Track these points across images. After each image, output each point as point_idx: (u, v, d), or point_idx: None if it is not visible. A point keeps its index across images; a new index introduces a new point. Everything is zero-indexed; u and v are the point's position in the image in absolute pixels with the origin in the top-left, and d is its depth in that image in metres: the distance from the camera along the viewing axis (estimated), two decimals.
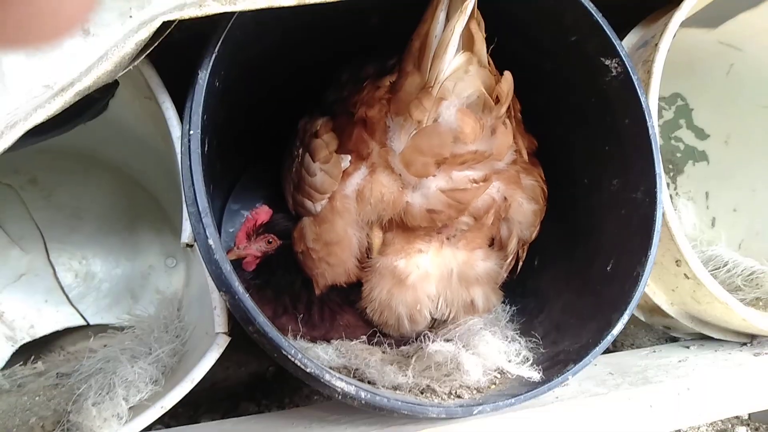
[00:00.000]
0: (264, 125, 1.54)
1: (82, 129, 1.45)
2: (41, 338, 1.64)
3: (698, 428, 1.76)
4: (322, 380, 0.85)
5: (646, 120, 1.10)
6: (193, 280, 1.76)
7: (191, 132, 0.83)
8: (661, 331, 1.45)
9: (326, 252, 1.23)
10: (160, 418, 0.90)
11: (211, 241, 0.82)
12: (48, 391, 1.05)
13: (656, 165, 1.10)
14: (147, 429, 0.91)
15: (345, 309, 1.36)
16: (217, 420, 1.10)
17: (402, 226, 1.22)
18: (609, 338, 1.01)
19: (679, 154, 2.03)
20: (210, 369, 1.05)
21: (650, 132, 1.10)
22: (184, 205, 0.90)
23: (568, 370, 0.98)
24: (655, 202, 1.09)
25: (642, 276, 1.05)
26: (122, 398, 0.87)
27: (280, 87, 1.40)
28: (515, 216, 1.29)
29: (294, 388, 1.67)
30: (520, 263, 1.35)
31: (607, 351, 1.54)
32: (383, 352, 1.14)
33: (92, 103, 1.17)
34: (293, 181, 1.31)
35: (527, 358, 1.03)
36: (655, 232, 1.06)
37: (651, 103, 1.13)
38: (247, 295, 0.84)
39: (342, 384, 0.85)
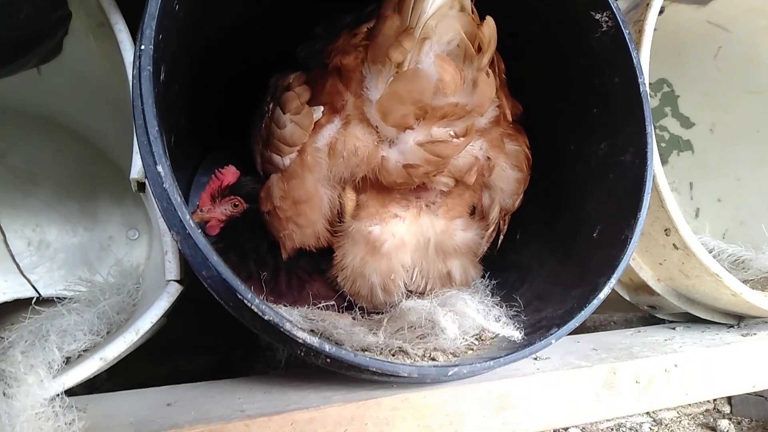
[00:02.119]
0: (234, 93, 1.45)
1: (37, 83, 1.37)
2: None
3: (680, 421, 1.70)
4: (281, 329, 0.76)
5: (637, 77, 1.05)
6: (155, 252, 1.65)
7: (142, 47, 0.74)
8: (645, 311, 1.38)
9: (294, 211, 1.14)
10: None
11: (160, 168, 0.73)
12: None
13: (647, 124, 1.04)
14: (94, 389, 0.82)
15: (314, 278, 1.27)
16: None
17: (377, 187, 1.15)
18: (595, 302, 0.94)
19: (663, 144, 1.99)
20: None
21: (641, 90, 1.05)
22: (135, 136, 0.82)
23: (551, 334, 0.91)
24: (645, 163, 1.03)
25: (630, 239, 0.99)
26: (55, 346, 0.77)
27: (249, 47, 1.32)
28: (497, 182, 1.22)
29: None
30: (501, 236, 1.28)
31: (588, 331, 1.49)
32: (353, 318, 1.06)
33: (42, 39, 1.07)
34: (262, 138, 1.22)
35: (507, 323, 0.96)
36: (645, 193, 1.00)
37: (642, 60, 1.08)
38: (200, 231, 0.75)
39: (304, 335, 0.77)
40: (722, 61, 1.73)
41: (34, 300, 1.27)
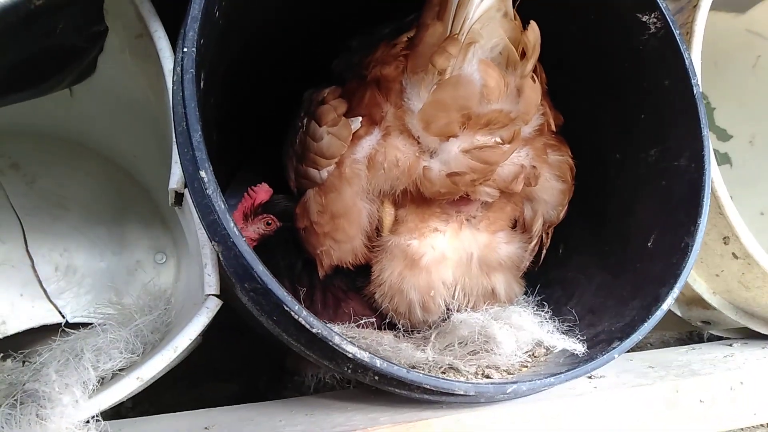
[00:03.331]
0: (264, 111, 1.44)
1: (70, 105, 1.36)
2: (13, 336, 1.48)
3: None
4: (331, 343, 0.71)
5: (689, 78, 1.01)
6: (183, 276, 1.62)
7: (185, 49, 0.72)
8: (698, 327, 1.31)
9: (332, 226, 1.10)
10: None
11: (203, 174, 0.70)
12: (9, 371, 0.90)
13: (702, 126, 0.99)
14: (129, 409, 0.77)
15: (350, 296, 1.22)
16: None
17: (416, 201, 1.11)
18: (659, 313, 0.88)
19: None
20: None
21: (695, 91, 1.01)
22: (174, 145, 0.79)
23: (613, 348, 0.85)
24: (702, 167, 0.98)
25: (692, 246, 0.93)
26: (90, 365, 0.73)
27: (281, 63, 1.31)
28: (541, 194, 1.17)
29: None
30: (544, 250, 1.23)
31: (637, 348, 1.41)
32: (395, 336, 1.00)
33: (77, 56, 1.06)
34: (296, 153, 1.19)
35: (566, 336, 0.90)
36: (705, 197, 0.95)
37: (695, 59, 1.03)
38: (244, 240, 0.71)
39: (354, 349, 0.72)
40: (761, 70, 1.69)
41: (63, 326, 1.24)
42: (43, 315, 1.54)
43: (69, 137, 1.57)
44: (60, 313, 1.56)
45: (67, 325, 1.52)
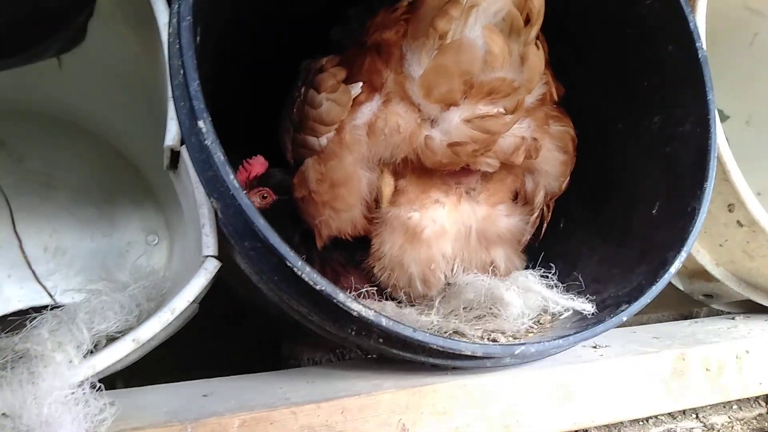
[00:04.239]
0: (261, 91, 1.40)
1: (57, 79, 1.32)
2: (1, 318, 1.44)
3: (732, 426, 1.59)
4: (335, 300, 0.69)
5: (694, 42, 1.00)
6: (176, 257, 1.59)
7: None
8: (701, 300, 1.30)
9: (331, 195, 1.08)
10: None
11: (201, 124, 0.67)
12: None
13: (708, 90, 0.98)
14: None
15: (350, 270, 1.20)
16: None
17: (416, 171, 1.08)
18: (666, 276, 0.87)
19: None
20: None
21: (700, 55, 0.99)
22: (170, 102, 0.76)
23: (622, 311, 0.83)
24: (708, 131, 0.96)
25: (698, 210, 0.92)
26: (84, 325, 0.70)
27: (279, 32, 1.28)
28: (542, 165, 1.15)
29: None
30: (545, 224, 1.21)
31: (640, 323, 1.40)
32: (398, 305, 0.98)
33: (65, 20, 1.02)
34: (294, 122, 1.16)
35: (573, 298, 0.88)
36: (711, 160, 0.94)
37: (699, 22, 1.02)
38: (245, 193, 0.69)
39: (359, 307, 0.69)
40: (758, 48, 1.68)
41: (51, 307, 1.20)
42: (32, 297, 1.50)
43: (58, 115, 1.53)
44: (49, 294, 1.52)
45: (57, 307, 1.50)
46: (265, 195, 1.24)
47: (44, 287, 1.52)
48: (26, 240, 1.52)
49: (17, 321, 1.24)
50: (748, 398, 1.24)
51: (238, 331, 1.77)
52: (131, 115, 1.39)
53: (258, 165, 1.25)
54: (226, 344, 1.69)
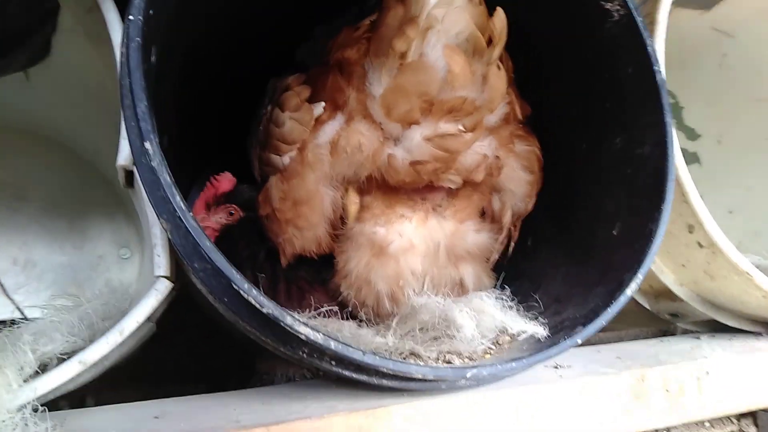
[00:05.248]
0: (233, 107, 1.40)
1: (26, 90, 1.32)
2: None
3: None
4: (282, 323, 0.69)
5: (651, 65, 1.00)
6: (146, 269, 1.57)
7: (131, 17, 0.69)
8: (667, 320, 1.30)
9: (294, 213, 1.07)
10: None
11: (147, 145, 0.67)
12: None
13: (665, 113, 0.99)
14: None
15: (316, 288, 1.19)
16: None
17: (382, 188, 1.08)
18: (622, 299, 0.87)
19: None
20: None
21: (657, 78, 1.00)
22: (122, 119, 0.75)
23: (576, 333, 0.83)
24: (666, 154, 0.97)
25: (656, 232, 0.92)
26: (28, 347, 0.69)
27: (246, 52, 1.28)
28: (508, 185, 1.16)
29: None
30: (512, 243, 1.21)
31: (606, 341, 1.40)
32: (358, 324, 0.98)
33: (29, 35, 1.02)
34: (260, 141, 1.16)
35: (527, 321, 0.88)
36: (669, 182, 0.94)
37: (657, 46, 1.03)
38: (191, 215, 0.68)
39: (307, 330, 0.69)
40: (728, 69, 1.70)
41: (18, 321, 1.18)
42: (0, 310, 1.49)
43: (28, 128, 1.53)
44: (18, 308, 1.50)
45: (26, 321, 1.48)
46: (232, 212, 1.25)
47: (12, 301, 1.50)
48: None
49: None
50: (719, 417, 1.24)
51: (214, 344, 1.75)
52: (100, 128, 1.38)
53: (225, 182, 1.25)
54: (198, 356, 1.67)
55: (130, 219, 1.62)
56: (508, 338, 0.93)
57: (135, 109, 0.68)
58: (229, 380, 1.74)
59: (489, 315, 0.84)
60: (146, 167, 0.70)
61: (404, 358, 0.84)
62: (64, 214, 1.58)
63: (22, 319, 1.41)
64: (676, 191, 1.03)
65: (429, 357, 0.83)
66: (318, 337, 0.70)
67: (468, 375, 0.76)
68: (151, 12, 0.74)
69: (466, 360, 0.85)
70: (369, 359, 0.71)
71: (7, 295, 1.50)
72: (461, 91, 0.97)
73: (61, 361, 0.75)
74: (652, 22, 1.11)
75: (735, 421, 1.68)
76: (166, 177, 0.67)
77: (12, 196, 1.53)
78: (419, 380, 0.77)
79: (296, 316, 0.75)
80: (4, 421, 0.62)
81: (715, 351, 1.11)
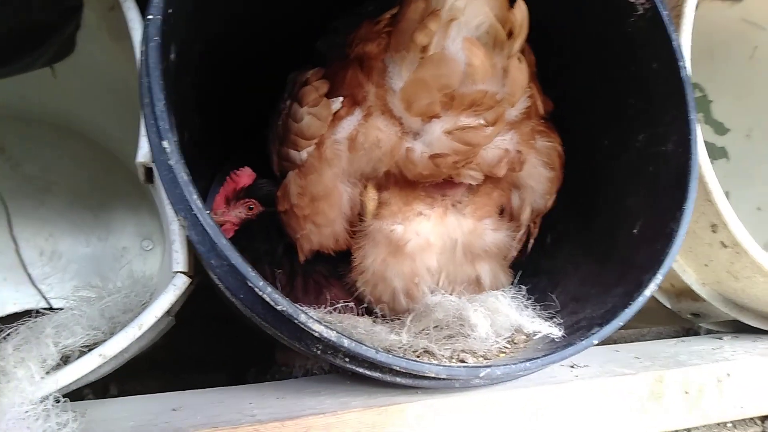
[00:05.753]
0: (255, 102, 1.41)
1: (53, 86, 1.34)
2: None
3: None
4: (296, 321, 0.69)
5: (677, 61, 0.98)
6: (167, 261, 1.60)
7: (150, 16, 0.70)
8: (688, 320, 1.28)
9: (312, 209, 1.08)
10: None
11: (165, 144, 0.68)
12: None
13: (690, 110, 0.96)
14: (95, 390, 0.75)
15: (332, 282, 1.20)
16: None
17: (400, 184, 1.08)
18: (641, 299, 0.86)
19: None
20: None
21: (682, 74, 0.97)
22: (142, 117, 0.77)
23: (593, 334, 0.82)
24: (689, 152, 0.95)
25: (677, 232, 0.90)
26: (50, 340, 0.71)
27: (267, 50, 1.28)
28: (528, 181, 1.14)
29: None
30: (532, 240, 1.20)
31: (626, 340, 1.39)
32: (373, 321, 0.98)
33: (53, 32, 1.04)
34: (278, 135, 1.17)
35: (544, 321, 0.87)
36: (692, 182, 0.92)
37: (683, 41, 1.01)
38: (209, 213, 0.69)
39: (321, 328, 0.69)
40: (758, 61, 1.65)
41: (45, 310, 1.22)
42: (27, 300, 1.53)
43: (55, 121, 1.56)
44: (44, 298, 1.54)
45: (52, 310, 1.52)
46: (252, 206, 1.25)
47: (39, 290, 1.54)
48: (22, 244, 1.55)
49: (13, 324, 1.25)
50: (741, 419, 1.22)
51: (232, 332, 1.77)
52: (125, 122, 1.40)
53: (245, 176, 1.26)
54: (219, 345, 1.69)
55: (153, 211, 1.64)
56: (523, 337, 0.92)
57: (153, 108, 0.69)
58: (248, 370, 1.78)
59: (504, 314, 0.83)
60: (164, 165, 0.71)
61: (418, 356, 0.84)
62: (90, 207, 1.61)
63: (47, 309, 1.45)
64: (700, 189, 1.01)
65: (443, 355, 0.83)
66: (331, 335, 0.70)
67: (481, 374, 0.76)
68: (170, 11, 0.75)
69: (480, 359, 0.85)
70: (382, 357, 0.72)
71: (35, 285, 1.54)
72: (482, 85, 0.95)
73: (82, 353, 0.77)
74: (678, 15, 1.08)
75: (759, 422, 1.65)
76: (183, 175, 0.68)
77: (39, 188, 1.57)
78: (432, 378, 0.77)
79: (310, 313, 0.75)
80: (27, 412, 0.63)
81: (737, 352, 1.09)
